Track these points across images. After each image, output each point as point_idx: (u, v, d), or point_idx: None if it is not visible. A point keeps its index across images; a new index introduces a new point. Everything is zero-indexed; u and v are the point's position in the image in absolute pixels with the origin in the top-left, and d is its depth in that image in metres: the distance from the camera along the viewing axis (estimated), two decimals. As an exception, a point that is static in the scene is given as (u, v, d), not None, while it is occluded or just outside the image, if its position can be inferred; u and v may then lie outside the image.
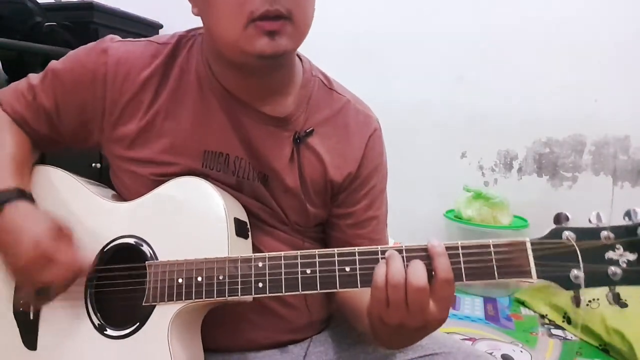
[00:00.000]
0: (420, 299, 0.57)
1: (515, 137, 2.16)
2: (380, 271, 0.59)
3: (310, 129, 0.77)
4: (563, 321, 1.80)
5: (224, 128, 0.75)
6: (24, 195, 0.70)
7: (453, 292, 0.59)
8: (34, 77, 0.79)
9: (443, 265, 0.58)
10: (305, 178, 0.77)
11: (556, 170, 2.13)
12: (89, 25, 1.87)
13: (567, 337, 1.72)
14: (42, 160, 0.83)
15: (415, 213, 2.17)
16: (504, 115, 2.13)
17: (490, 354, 1.56)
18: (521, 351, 1.61)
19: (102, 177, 0.84)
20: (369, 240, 0.81)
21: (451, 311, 1.48)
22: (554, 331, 1.76)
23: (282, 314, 0.78)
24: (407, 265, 0.58)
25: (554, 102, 2.07)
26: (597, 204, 2.03)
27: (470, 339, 1.67)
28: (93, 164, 1.41)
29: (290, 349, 0.81)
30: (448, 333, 1.48)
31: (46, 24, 1.72)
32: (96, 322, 0.70)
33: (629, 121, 2.01)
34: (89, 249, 0.71)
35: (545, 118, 2.10)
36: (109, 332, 0.69)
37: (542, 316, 1.86)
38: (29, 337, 0.72)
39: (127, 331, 0.68)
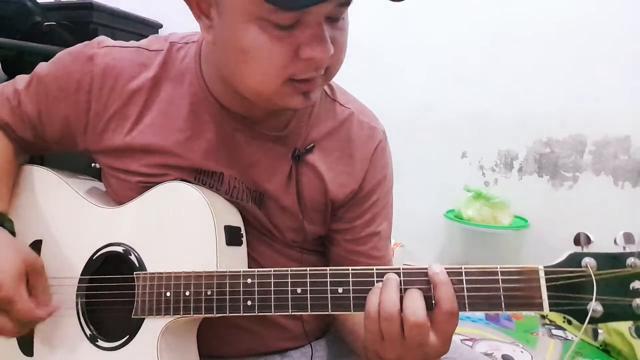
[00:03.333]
0: (419, 334, 0.52)
1: (515, 137, 2.15)
2: (372, 300, 0.54)
3: (311, 145, 0.72)
4: (564, 321, 1.79)
5: (217, 146, 0.70)
6: None
7: (456, 324, 0.53)
8: (20, 81, 0.75)
9: (447, 296, 0.52)
10: (303, 197, 0.72)
11: (557, 170, 2.12)
12: (88, 24, 1.87)
13: (568, 338, 1.72)
14: (42, 159, 0.81)
15: (415, 213, 2.17)
16: (504, 115, 2.13)
17: (491, 354, 1.56)
18: (522, 351, 1.61)
19: (102, 177, 0.83)
20: (368, 258, 0.77)
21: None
22: (555, 331, 1.76)
23: (281, 323, 0.77)
24: (403, 291, 0.53)
25: (554, 102, 2.06)
26: (597, 204, 2.01)
27: (470, 340, 1.67)
28: (93, 164, 1.40)
29: (290, 354, 0.80)
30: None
31: (46, 23, 1.72)
32: (88, 332, 0.69)
33: (630, 121, 2.00)
34: (77, 256, 0.70)
35: (545, 118, 2.10)
36: (100, 343, 0.68)
37: (543, 316, 1.86)
38: (26, 343, 0.71)
39: (118, 343, 0.66)
